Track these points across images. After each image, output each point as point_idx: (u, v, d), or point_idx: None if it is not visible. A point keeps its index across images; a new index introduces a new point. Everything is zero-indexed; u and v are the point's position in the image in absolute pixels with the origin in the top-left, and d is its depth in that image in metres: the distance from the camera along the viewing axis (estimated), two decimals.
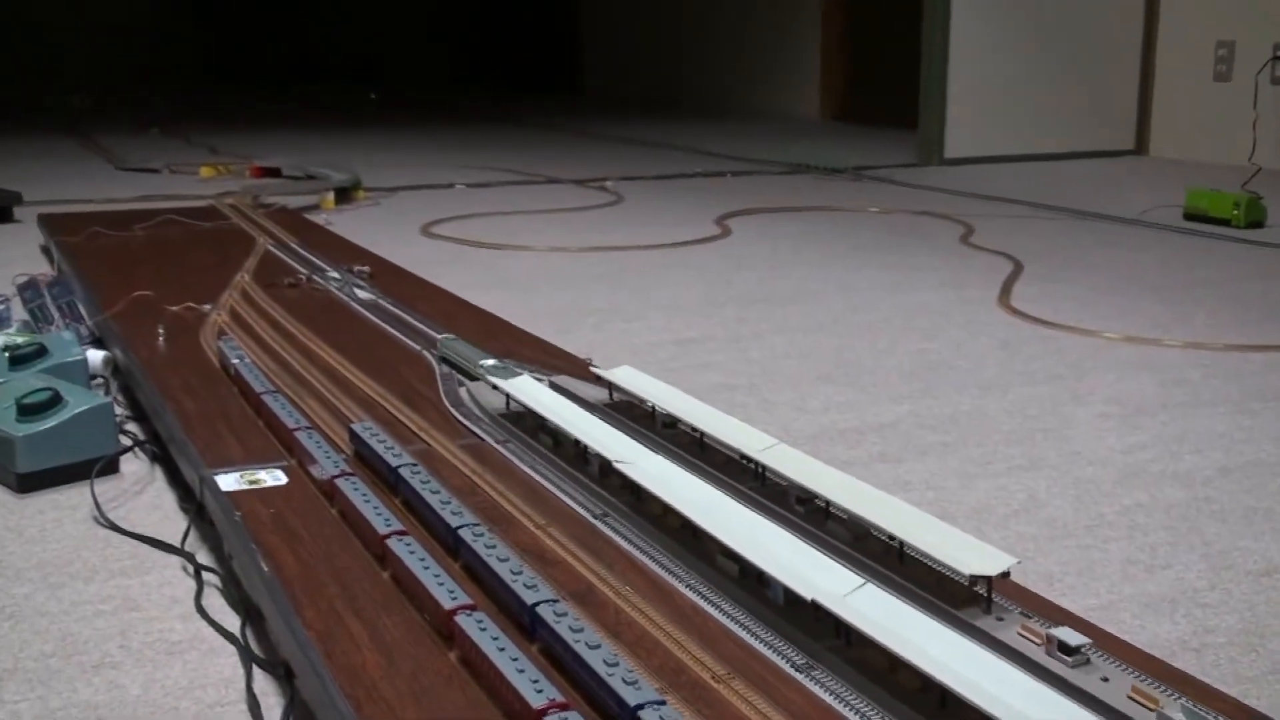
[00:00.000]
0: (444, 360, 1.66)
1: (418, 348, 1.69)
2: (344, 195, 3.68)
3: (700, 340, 2.08)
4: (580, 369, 1.60)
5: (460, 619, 0.86)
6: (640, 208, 3.65)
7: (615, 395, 1.46)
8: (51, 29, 9.64)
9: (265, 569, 1.00)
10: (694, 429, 1.31)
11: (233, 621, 1.07)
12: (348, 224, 3.21)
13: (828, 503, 1.09)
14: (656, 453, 1.20)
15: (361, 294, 2.02)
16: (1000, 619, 0.91)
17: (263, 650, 1.02)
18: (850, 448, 1.53)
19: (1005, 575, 0.93)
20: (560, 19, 8.93)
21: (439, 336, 1.72)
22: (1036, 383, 1.82)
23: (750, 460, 1.21)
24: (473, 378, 1.58)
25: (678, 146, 5.42)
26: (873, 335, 2.12)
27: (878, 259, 2.83)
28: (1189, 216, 3.36)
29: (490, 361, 1.61)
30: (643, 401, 1.41)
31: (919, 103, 4.81)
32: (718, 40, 7.65)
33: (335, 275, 2.17)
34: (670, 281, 2.60)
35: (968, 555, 0.93)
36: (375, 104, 7.74)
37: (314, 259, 2.35)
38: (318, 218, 3.23)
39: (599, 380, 1.49)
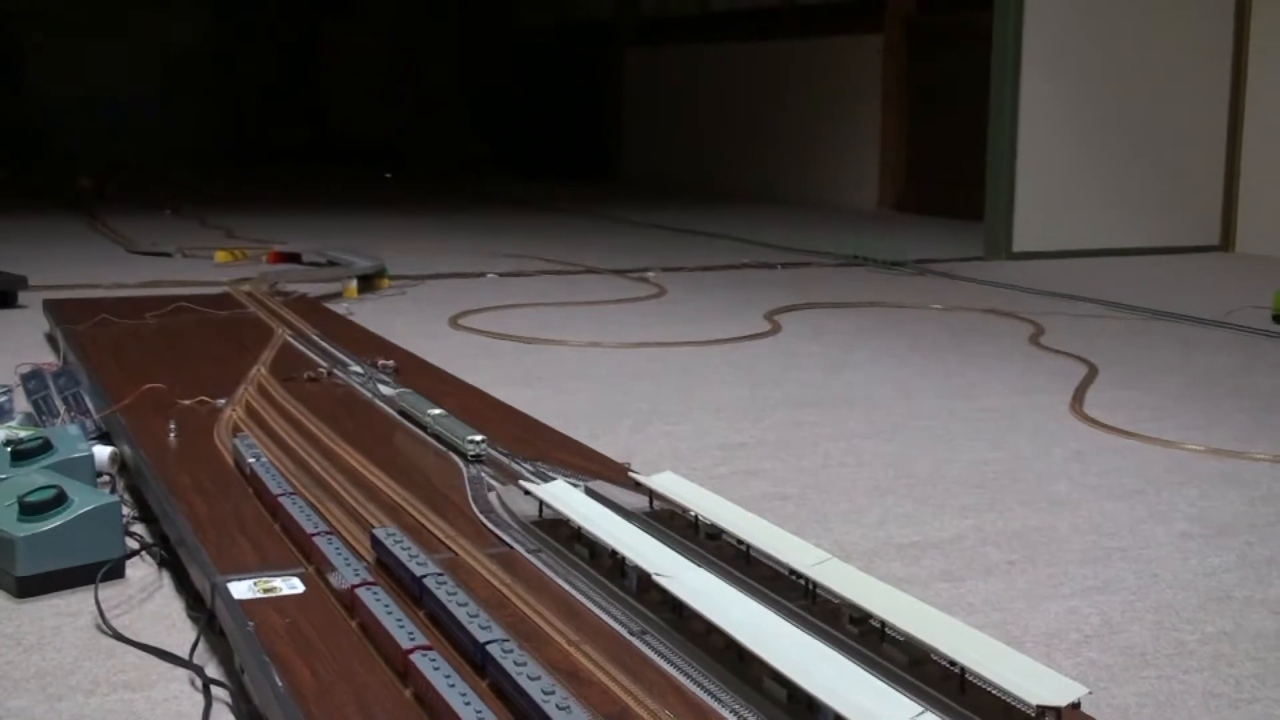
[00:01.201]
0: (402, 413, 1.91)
1: (444, 449, 1.69)
2: (367, 284, 3.70)
3: (748, 445, 2.07)
4: (618, 474, 1.59)
5: None
6: (684, 301, 3.66)
7: (656, 503, 1.45)
8: (58, 108, 9.83)
9: (279, 684, 1.00)
10: (740, 541, 1.30)
11: None
12: (371, 314, 3.23)
13: (883, 624, 1.08)
14: (699, 566, 1.20)
15: (386, 390, 2.03)
16: None
17: None
18: (909, 564, 1.52)
19: (1076, 707, 0.92)
20: (597, 100, 9.08)
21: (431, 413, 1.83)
22: (1112, 498, 1.80)
23: (800, 576, 1.20)
24: (421, 425, 1.79)
25: (724, 236, 5.42)
26: (934, 443, 2.11)
27: (940, 360, 2.81)
28: (1278, 319, 3.31)
29: (437, 411, 1.80)
30: (685, 510, 1.40)
31: (985, 192, 4.82)
32: (767, 123, 7.70)
33: (358, 369, 2.19)
34: (716, 381, 2.58)
35: (1035, 684, 0.93)
36: (393, 184, 7.89)
37: (335, 352, 2.35)
38: (339, 307, 3.25)
39: (638, 487, 1.49)
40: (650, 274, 4.16)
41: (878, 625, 1.10)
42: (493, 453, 1.68)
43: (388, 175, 8.53)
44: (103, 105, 10.04)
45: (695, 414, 2.28)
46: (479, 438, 1.71)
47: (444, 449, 1.70)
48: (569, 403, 2.34)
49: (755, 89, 7.83)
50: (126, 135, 10.00)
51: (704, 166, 8.25)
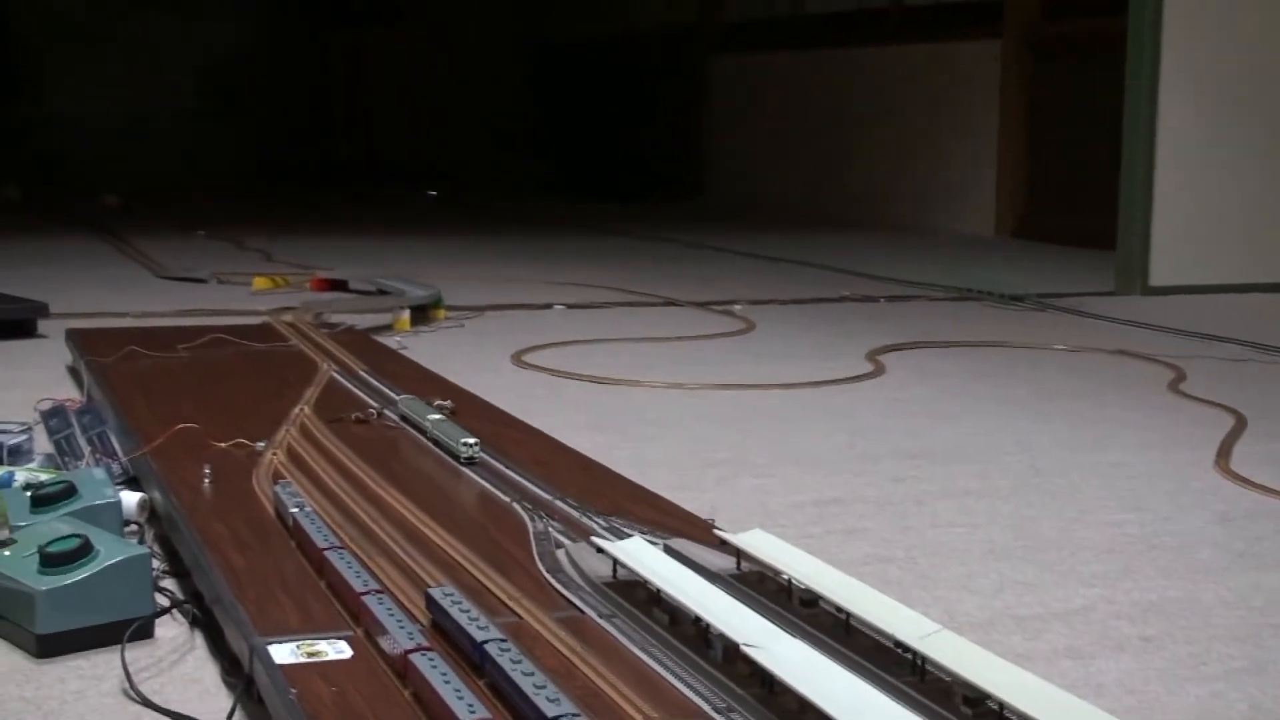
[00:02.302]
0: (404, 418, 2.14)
1: (507, 499, 1.68)
2: (421, 315, 3.72)
3: (846, 501, 2.05)
4: (702, 532, 1.58)
5: None
6: (775, 337, 3.65)
7: (744, 565, 1.45)
8: (85, 123, 9.99)
9: None
10: (839, 608, 1.30)
11: None
12: (426, 349, 3.25)
13: (1001, 705, 1.08)
14: (793, 635, 1.20)
15: (447, 432, 1.99)
16: None
17: None
18: (1029, 639, 1.51)
19: None
20: (678, 114, 9.07)
21: (397, 396, 2.12)
22: (1264, 567, 1.79)
23: (908, 649, 1.19)
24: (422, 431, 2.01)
25: (820, 265, 5.39)
26: (1058, 502, 2.09)
27: (1065, 408, 2.79)
28: None
29: (436, 416, 2.00)
30: (777, 573, 1.40)
31: (1118, 219, 4.76)
32: (869, 138, 7.64)
33: (410, 408, 2.16)
34: (811, 428, 2.56)
35: None
36: (443, 205, 7.96)
37: (387, 390, 2.36)
38: (390, 341, 3.27)
39: (724, 546, 1.49)
40: (737, 307, 4.15)
41: (995, 707, 1.09)
42: (560, 504, 1.68)
43: (432, 193, 8.64)
44: (132, 120, 10.18)
45: (787, 465, 2.26)
46: (473, 440, 1.89)
47: (506, 500, 1.68)
48: (646, 451, 2.33)
49: (856, 100, 7.75)
50: (158, 152, 10.11)
51: (798, 187, 8.18)
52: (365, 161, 10.57)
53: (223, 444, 1.94)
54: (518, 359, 3.26)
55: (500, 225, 7.12)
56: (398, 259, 5.18)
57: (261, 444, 1.94)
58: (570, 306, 4.19)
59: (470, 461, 1.87)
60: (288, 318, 3.30)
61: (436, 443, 1.97)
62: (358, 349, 2.85)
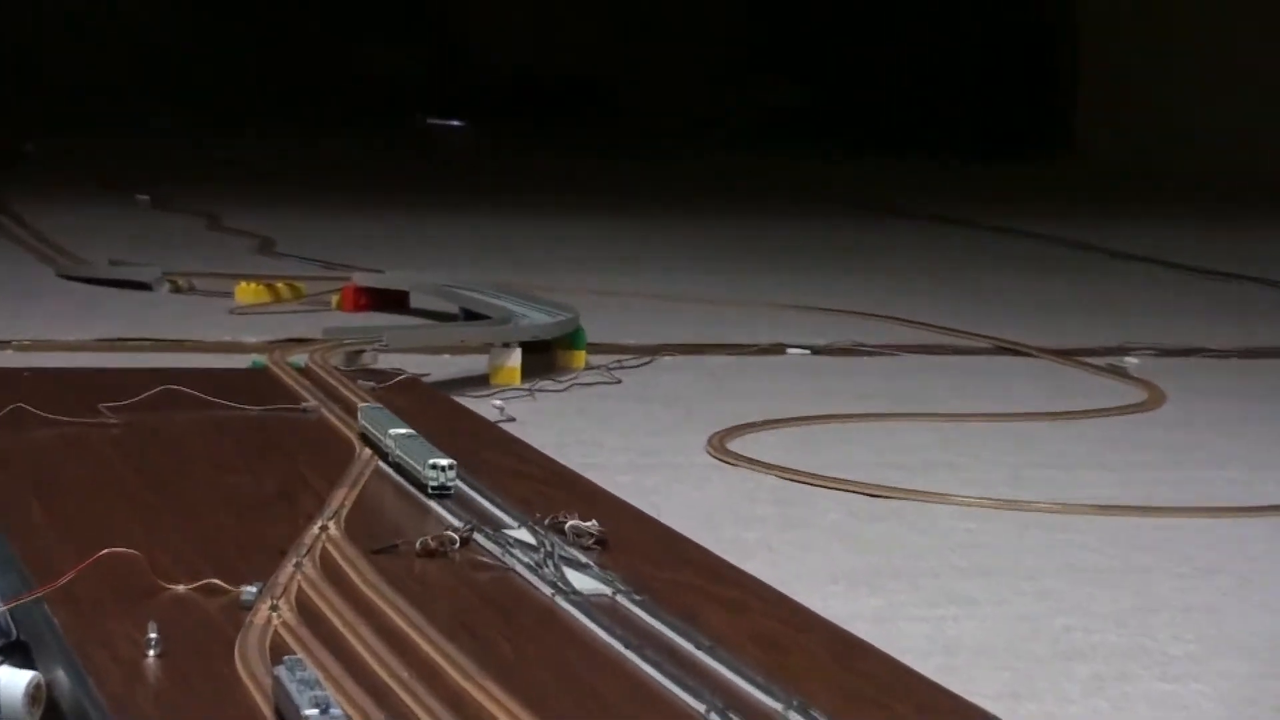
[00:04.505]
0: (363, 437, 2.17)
1: (701, 708, 1.41)
2: (543, 359, 3.29)
3: None
4: None
5: None
6: (1203, 418, 3.22)
7: None
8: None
9: None
10: None
11: None
12: (551, 421, 2.89)
13: None
14: None
15: (584, 583, 1.75)
16: None
17: None
18: None
19: None
20: (1029, 28, 8.13)
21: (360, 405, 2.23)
22: None
23: None
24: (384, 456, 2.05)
25: (1275, 282, 4.80)
26: None
27: None
28: None
29: (403, 431, 2.08)
30: None
31: None
32: None
33: (527, 536, 1.88)
34: (1274, 587, 2.18)
35: None
36: (573, 151, 7.23)
37: (479, 496, 2.08)
38: (487, 405, 2.91)
39: None
40: (1132, 361, 3.69)
41: None
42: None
43: (453, 123, 7.81)
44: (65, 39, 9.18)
45: (1226, 658, 1.89)
46: (445, 462, 1.95)
47: (701, 708, 1.44)
48: (958, 631, 1.98)
49: None
50: (98, 78, 9.07)
51: (1243, 146, 7.23)
52: (451, 79, 9.23)
53: (182, 586, 1.68)
54: (719, 445, 2.81)
55: (695, 196, 6.62)
56: (497, 254, 4.77)
57: (251, 589, 1.67)
58: (815, 351, 3.69)
59: (441, 493, 1.93)
60: (301, 359, 2.93)
61: (399, 468, 2.04)
62: (424, 417, 2.50)
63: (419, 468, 1.98)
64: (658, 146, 7.69)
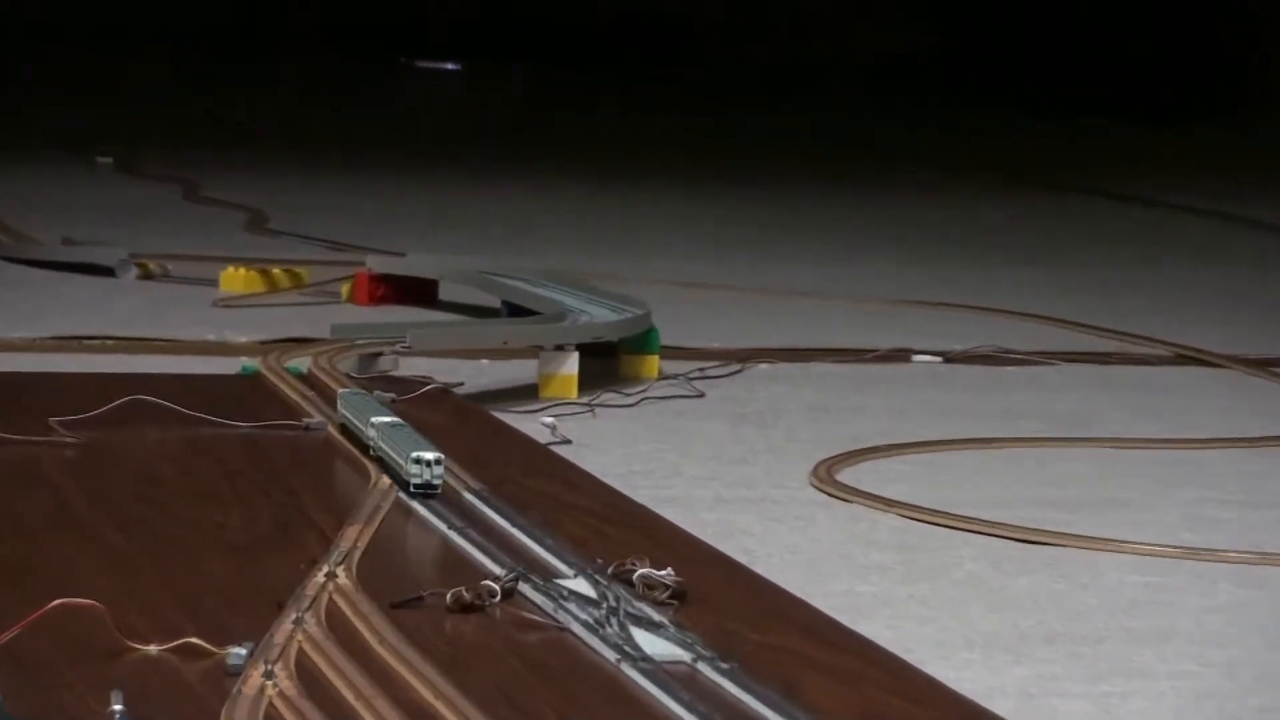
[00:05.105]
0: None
1: None
2: (606, 365, 3.12)
3: None
4: None
5: None
6: None
7: None
8: None
9: None
10: None
11: None
12: (616, 444, 2.72)
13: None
14: None
15: (657, 646, 1.67)
16: None
17: None
18: None
19: None
20: None
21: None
22: None
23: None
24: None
25: None
26: None
27: None
28: None
29: (386, 420, 2.06)
30: None
31: None
32: None
33: (585, 587, 1.82)
34: None
35: None
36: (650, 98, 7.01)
37: (525, 537, 1.98)
38: (533, 423, 2.74)
39: None
40: None
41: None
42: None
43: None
44: None
45: None
46: (431, 456, 1.92)
47: None
48: (1130, 705, 1.85)
49: None
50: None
51: None
52: (498, 18, 8.84)
53: (154, 646, 1.61)
54: (827, 476, 2.59)
55: (796, 163, 6.35)
56: (546, 234, 4.58)
57: (240, 650, 1.59)
58: (948, 358, 3.45)
59: (427, 491, 1.92)
60: (301, 363, 2.76)
61: (382, 463, 2.02)
62: (457, 437, 2.43)
63: (400, 461, 1.94)
64: (748, 100, 7.49)
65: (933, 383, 3.43)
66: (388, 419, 2.13)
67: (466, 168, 6.13)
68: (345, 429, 2.21)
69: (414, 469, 1.96)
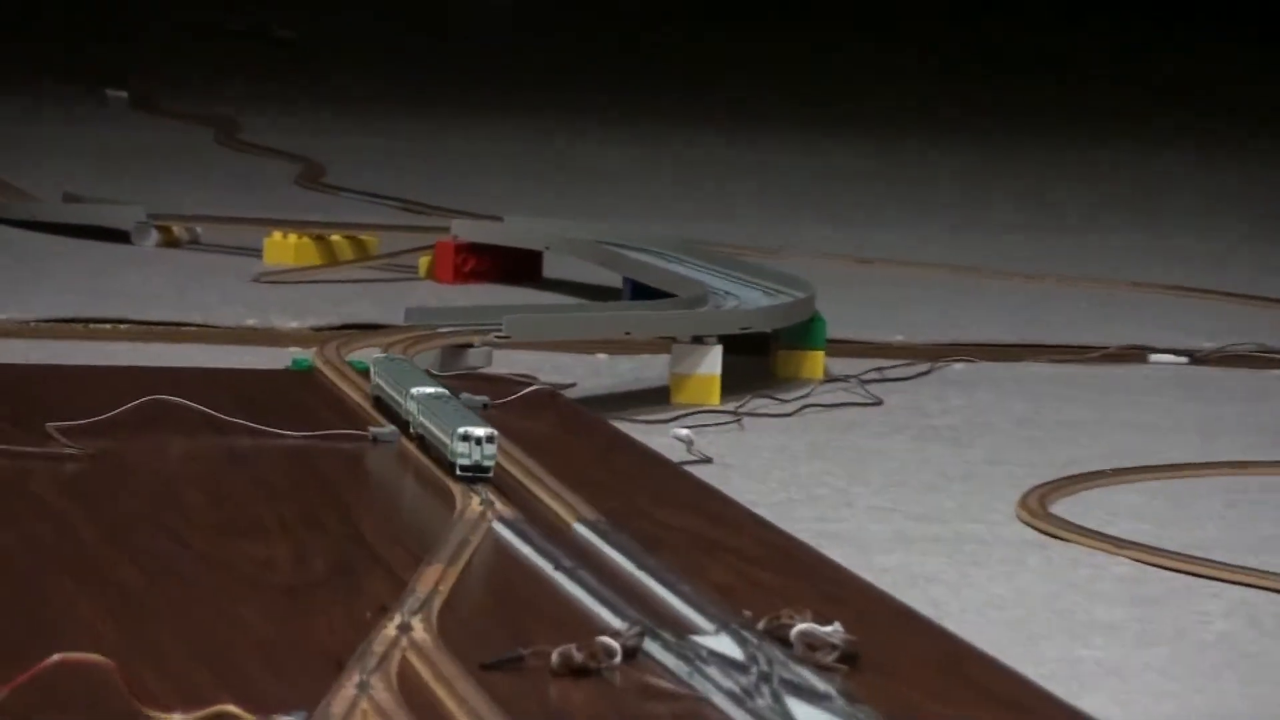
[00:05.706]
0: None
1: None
2: (757, 363, 2.87)
3: None
4: None
5: None
6: None
7: None
8: None
9: None
10: None
11: None
12: (770, 464, 2.49)
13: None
14: None
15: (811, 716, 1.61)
16: None
17: None
18: None
19: None
20: None
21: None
22: None
23: None
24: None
25: None
26: None
27: None
28: None
29: (429, 390, 2.05)
30: None
31: None
32: None
33: (729, 646, 1.76)
34: None
35: None
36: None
37: (653, 580, 1.91)
38: (666, 433, 2.53)
39: None
40: None
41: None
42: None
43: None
44: None
45: None
46: (483, 432, 1.88)
47: None
48: None
49: None
50: None
51: None
52: None
53: (179, 715, 1.55)
54: (1040, 507, 2.34)
55: (992, 103, 5.74)
56: (680, 191, 4.15)
57: None
58: (1195, 358, 3.12)
59: (475, 475, 1.92)
60: (367, 356, 2.58)
61: (422, 442, 2.06)
62: (566, 450, 2.34)
63: (444, 439, 1.87)
64: (922, 20, 7.12)
65: (1175, 389, 3.16)
66: (430, 389, 2.06)
67: (573, 105, 5.50)
68: (380, 401, 2.13)
69: (460, 447, 1.87)
